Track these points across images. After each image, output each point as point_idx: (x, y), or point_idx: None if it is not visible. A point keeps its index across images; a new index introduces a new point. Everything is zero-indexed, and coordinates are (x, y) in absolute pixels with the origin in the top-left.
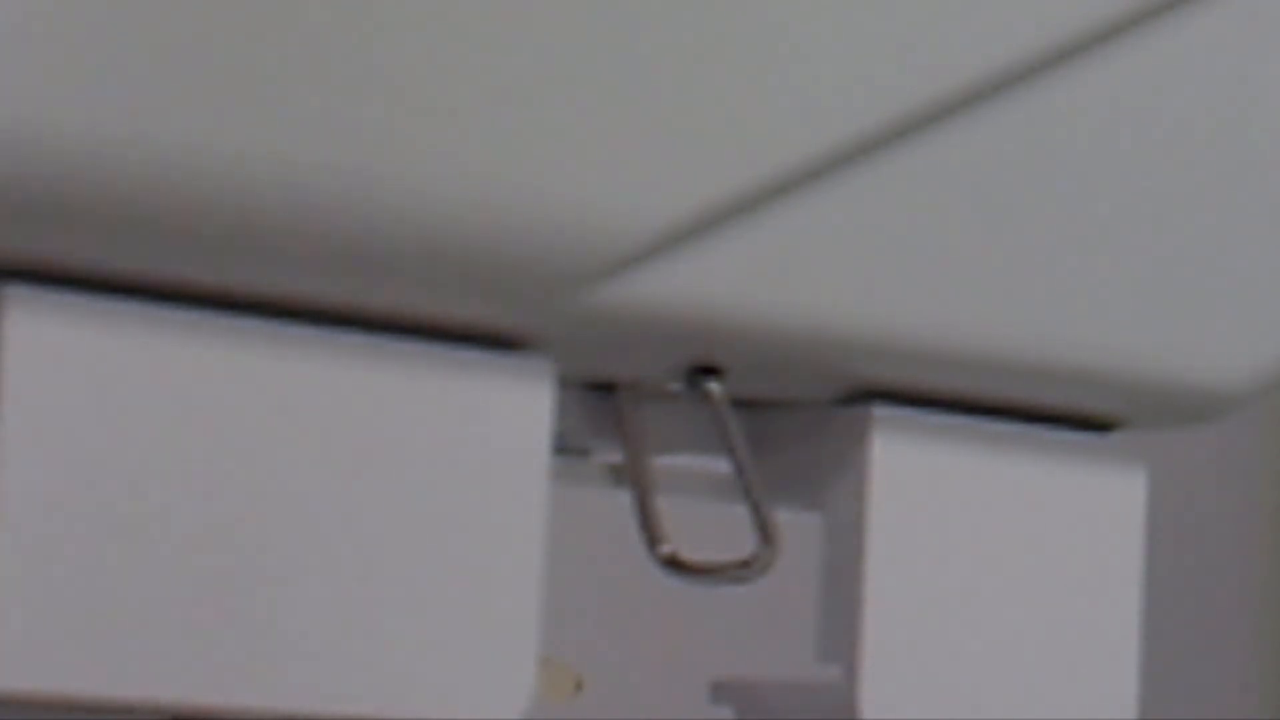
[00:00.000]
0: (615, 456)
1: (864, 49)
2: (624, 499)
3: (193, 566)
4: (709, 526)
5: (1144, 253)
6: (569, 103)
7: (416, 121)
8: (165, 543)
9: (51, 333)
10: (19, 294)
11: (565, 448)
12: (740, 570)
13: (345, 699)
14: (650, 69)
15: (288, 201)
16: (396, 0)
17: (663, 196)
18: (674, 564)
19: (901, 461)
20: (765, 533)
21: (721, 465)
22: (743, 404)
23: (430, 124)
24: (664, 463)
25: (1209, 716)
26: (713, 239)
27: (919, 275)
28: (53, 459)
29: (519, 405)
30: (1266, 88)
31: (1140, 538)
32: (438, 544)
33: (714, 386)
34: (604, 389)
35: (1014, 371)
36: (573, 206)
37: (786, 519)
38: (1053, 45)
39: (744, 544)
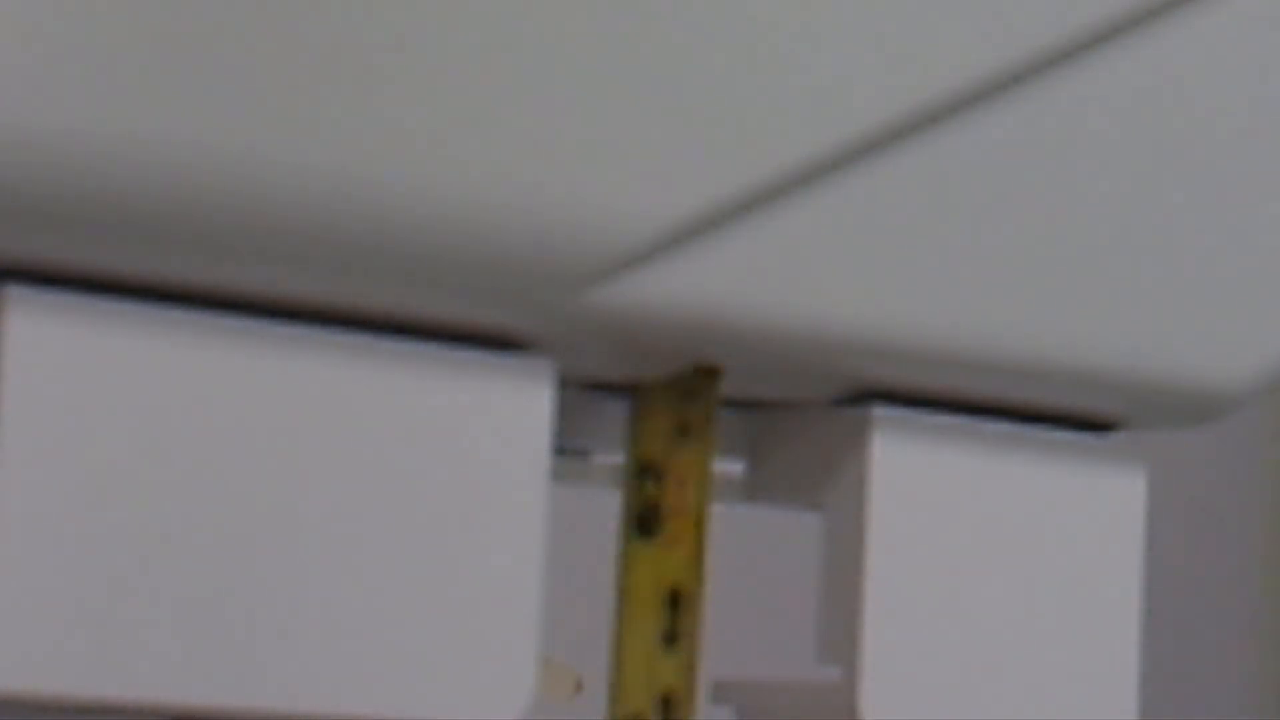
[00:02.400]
0: (615, 456)
1: (864, 49)
2: None
3: (193, 566)
4: (711, 527)
5: (1144, 253)
6: (569, 102)
7: (416, 121)
8: (166, 543)
9: (51, 333)
10: (19, 294)
11: (565, 448)
12: None
13: (344, 699)
14: (650, 69)
15: (288, 201)
16: (395, 2)
17: (663, 196)
18: None
19: (901, 461)
20: None
21: (723, 465)
22: (743, 404)
23: (430, 124)
24: None
25: (1209, 716)
26: (713, 239)
27: (919, 275)
28: (53, 459)
29: (519, 405)
30: (1267, 87)
31: (1140, 538)
32: (438, 544)
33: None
34: (604, 389)
35: (1014, 372)
36: (573, 206)
37: (786, 519)
38: (1053, 45)
39: (744, 544)
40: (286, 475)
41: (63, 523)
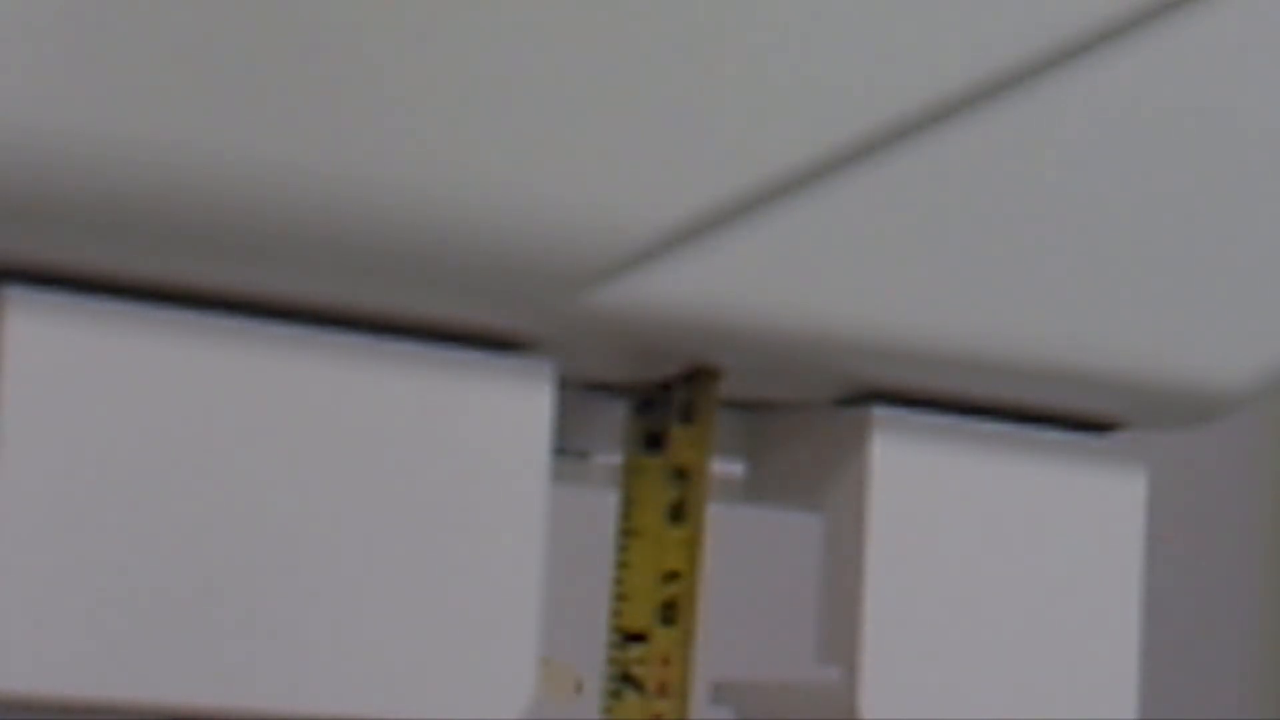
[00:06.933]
0: (615, 456)
1: (864, 49)
2: None
3: (192, 567)
4: (711, 527)
5: (1143, 253)
6: (568, 103)
7: (416, 122)
8: (166, 543)
9: (51, 333)
10: (19, 294)
11: (565, 448)
12: None
13: (344, 699)
14: (650, 69)
15: (287, 202)
16: (394, 1)
17: (662, 197)
18: None
19: (901, 461)
20: None
21: (723, 466)
22: (743, 404)
23: (430, 124)
24: None
25: (1209, 716)
26: (713, 239)
27: (919, 275)
28: (53, 459)
29: (519, 406)
30: (1266, 87)
31: (1140, 538)
32: (438, 544)
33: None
34: (604, 389)
35: (1014, 372)
36: (573, 207)
37: (786, 519)
38: (1052, 45)
39: (744, 544)
40: (286, 476)
41: (63, 523)
